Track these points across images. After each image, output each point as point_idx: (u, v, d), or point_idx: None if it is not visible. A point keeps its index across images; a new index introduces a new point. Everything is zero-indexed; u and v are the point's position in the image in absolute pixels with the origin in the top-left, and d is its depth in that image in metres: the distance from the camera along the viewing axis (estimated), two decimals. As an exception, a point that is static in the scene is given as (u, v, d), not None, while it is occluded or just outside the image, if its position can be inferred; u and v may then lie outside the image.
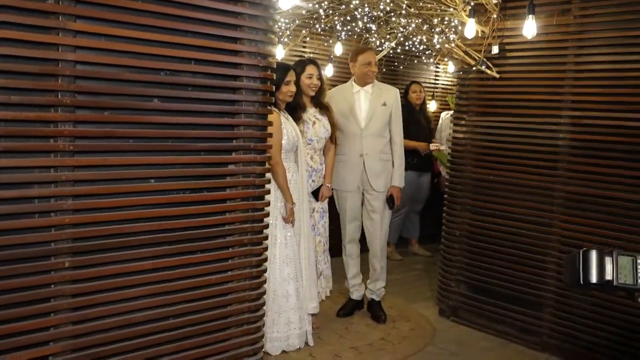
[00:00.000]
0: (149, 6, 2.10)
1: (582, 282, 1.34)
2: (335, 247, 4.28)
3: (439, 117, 6.46)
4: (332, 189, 4.01)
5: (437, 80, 6.93)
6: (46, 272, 1.95)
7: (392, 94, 4.09)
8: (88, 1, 1.96)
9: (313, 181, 3.83)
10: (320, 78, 3.80)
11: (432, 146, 5.65)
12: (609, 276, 1.32)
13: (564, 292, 3.54)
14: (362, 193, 4.08)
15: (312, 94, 3.80)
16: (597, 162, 3.39)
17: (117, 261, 2.11)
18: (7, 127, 1.83)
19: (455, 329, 4.04)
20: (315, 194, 3.82)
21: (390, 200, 4.06)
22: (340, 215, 4.16)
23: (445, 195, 4.26)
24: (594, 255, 1.34)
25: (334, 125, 3.87)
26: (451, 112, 5.66)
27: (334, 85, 4.46)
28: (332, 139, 3.89)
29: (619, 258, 1.33)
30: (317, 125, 3.78)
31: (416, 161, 5.71)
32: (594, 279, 1.33)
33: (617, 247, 1.47)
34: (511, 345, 3.78)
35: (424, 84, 6.34)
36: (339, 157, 4.05)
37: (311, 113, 3.81)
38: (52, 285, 1.97)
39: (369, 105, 4.02)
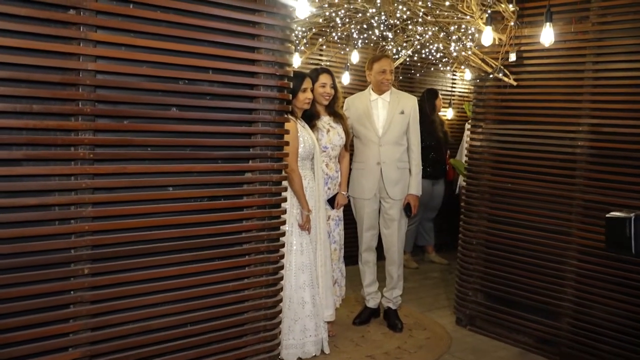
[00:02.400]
0: (167, 16, 2.13)
1: (635, 251, 1.26)
2: (351, 255, 4.27)
3: (460, 127, 6.44)
4: (348, 197, 4.01)
5: (454, 88, 6.91)
6: (66, 278, 1.98)
7: (410, 103, 4.08)
8: (109, 12, 2.00)
9: (329, 188, 3.83)
10: (333, 87, 3.81)
11: None
12: None
13: (583, 301, 3.50)
14: (379, 201, 4.08)
15: (326, 102, 3.82)
16: (616, 170, 3.36)
17: (135, 268, 2.13)
18: (28, 136, 1.86)
19: (472, 338, 4.01)
20: (331, 201, 3.82)
21: (407, 209, 4.06)
22: (357, 223, 4.16)
23: (462, 204, 4.25)
24: None
25: (348, 133, 3.89)
26: None
27: (351, 94, 4.47)
28: (347, 147, 3.91)
29: None
30: (331, 133, 3.80)
31: (430, 169, 5.71)
32: None
33: None
34: (529, 355, 3.74)
35: (441, 92, 6.33)
36: (356, 164, 4.06)
37: (325, 121, 3.82)
38: (72, 292, 1.99)
39: (387, 113, 4.02)
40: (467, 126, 6.15)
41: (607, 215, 1.40)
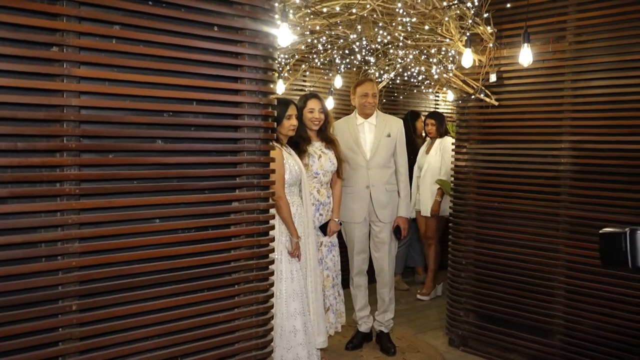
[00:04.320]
0: (150, 50, 2.15)
1: (631, 266, 1.25)
2: (342, 279, 4.26)
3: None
4: (340, 222, 4.00)
5: (437, 109, 6.98)
6: (54, 315, 1.96)
7: (396, 125, 4.12)
8: (91, 48, 2.01)
9: (321, 215, 3.80)
10: (323, 111, 3.82)
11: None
12: None
13: (574, 317, 3.51)
14: (369, 224, 4.09)
15: (316, 128, 3.81)
16: (599, 185, 3.41)
17: (124, 302, 2.11)
18: (13, 174, 1.86)
19: (466, 359, 4.00)
20: (323, 228, 3.80)
21: (397, 231, 4.06)
22: (347, 247, 4.15)
23: (449, 224, 4.27)
24: None
25: (340, 159, 3.88)
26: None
27: (335, 119, 4.50)
28: (339, 174, 3.90)
29: None
30: (323, 158, 3.78)
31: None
32: None
33: None
34: (523, 374, 3.74)
35: (424, 113, 6.39)
36: (345, 189, 4.05)
37: (317, 147, 3.82)
38: (60, 329, 1.97)
39: (374, 136, 4.04)
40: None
41: (600, 232, 1.42)
